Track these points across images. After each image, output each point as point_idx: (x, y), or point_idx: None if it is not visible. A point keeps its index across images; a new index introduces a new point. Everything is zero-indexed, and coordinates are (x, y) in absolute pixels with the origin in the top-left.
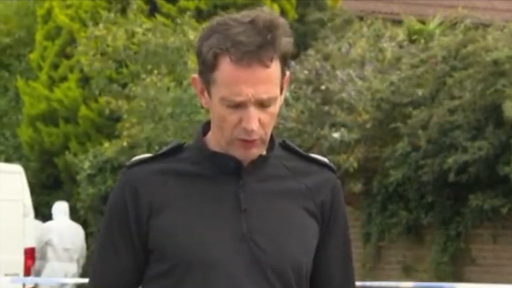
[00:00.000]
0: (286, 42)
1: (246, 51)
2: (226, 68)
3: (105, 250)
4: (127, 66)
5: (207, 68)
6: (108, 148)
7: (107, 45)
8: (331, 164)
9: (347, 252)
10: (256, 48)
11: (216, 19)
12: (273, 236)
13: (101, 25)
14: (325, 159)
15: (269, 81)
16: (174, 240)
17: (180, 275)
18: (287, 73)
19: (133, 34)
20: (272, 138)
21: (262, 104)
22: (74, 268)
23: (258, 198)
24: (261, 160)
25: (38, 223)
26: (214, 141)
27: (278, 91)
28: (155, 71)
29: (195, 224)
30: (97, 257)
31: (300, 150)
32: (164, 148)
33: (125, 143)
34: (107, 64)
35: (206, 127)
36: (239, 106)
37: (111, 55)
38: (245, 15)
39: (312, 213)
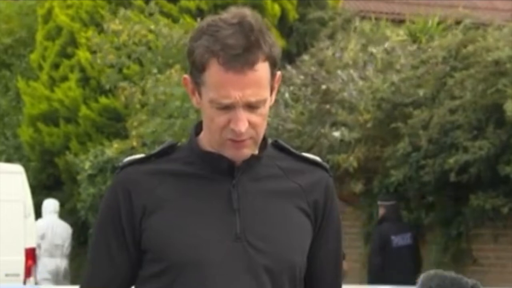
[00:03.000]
0: (272, 43)
1: (234, 54)
2: (214, 70)
3: (99, 250)
4: (141, 63)
5: (197, 70)
6: (117, 148)
7: (124, 41)
8: (324, 163)
9: (339, 251)
10: (244, 50)
11: (206, 20)
12: (266, 235)
13: (117, 20)
14: (317, 158)
15: (256, 83)
16: (167, 240)
17: (174, 275)
18: (278, 73)
19: (150, 31)
20: (264, 138)
21: (251, 106)
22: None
23: (251, 198)
24: (253, 159)
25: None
26: (206, 140)
27: (267, 93)
28: (177, 66)
29: (188, 224)
30: (90, 257)
31: (293, 150)
32: (157, 148)
33: (134, 143)
34: (120, 59)
35: (199, 127)
36: (228, 108)
37: (125, 50)
38: (233, 14)
39: (305, 212)
